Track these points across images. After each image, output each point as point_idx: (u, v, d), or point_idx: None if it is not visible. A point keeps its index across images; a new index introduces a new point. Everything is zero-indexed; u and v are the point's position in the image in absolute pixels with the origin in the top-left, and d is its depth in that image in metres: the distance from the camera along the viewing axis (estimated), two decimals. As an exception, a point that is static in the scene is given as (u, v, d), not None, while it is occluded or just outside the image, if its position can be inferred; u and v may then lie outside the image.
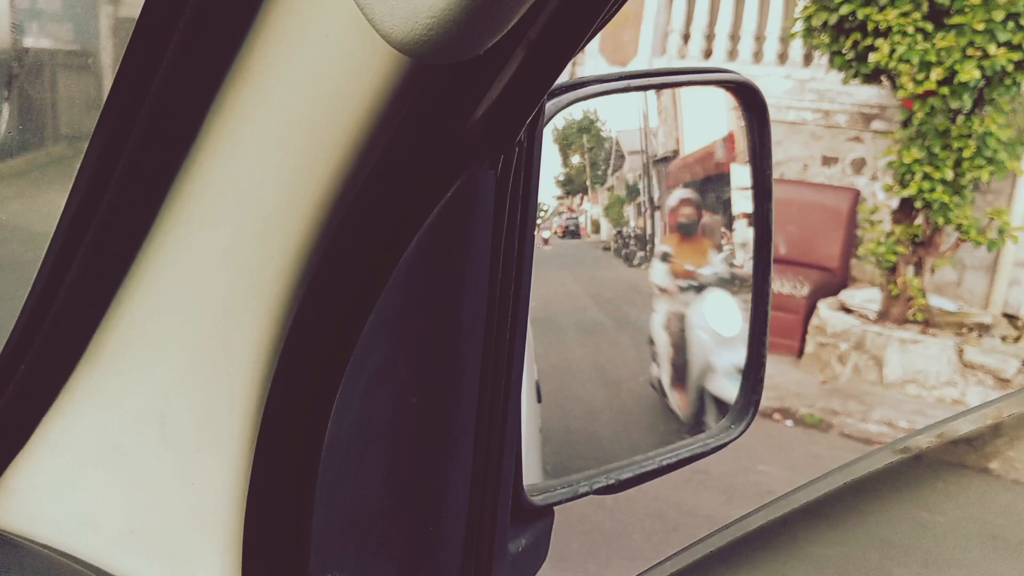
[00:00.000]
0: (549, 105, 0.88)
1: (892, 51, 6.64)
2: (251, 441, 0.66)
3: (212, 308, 0.64)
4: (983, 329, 7.48)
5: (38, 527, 0.68)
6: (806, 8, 7.11)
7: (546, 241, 1.06)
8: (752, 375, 1.15)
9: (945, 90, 6.56)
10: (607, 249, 1.17)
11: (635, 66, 8.98)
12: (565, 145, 1.08)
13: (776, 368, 7.26)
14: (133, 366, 0.66)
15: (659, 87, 1.18)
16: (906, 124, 7.04)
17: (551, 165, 1.04)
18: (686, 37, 9.32)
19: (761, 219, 1.16)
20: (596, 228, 1.14)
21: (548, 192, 1.06)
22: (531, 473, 0.92)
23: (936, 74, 6.51)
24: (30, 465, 0.69)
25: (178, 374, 0.65)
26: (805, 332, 7.68)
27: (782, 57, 8.89)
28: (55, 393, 0.69)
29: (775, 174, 1.16)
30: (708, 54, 9.17)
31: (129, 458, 0.67)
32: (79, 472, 0.68)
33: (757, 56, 8.99)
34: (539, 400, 1.04)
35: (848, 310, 7.68)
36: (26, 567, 0.66)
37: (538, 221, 0.82)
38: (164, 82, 0.58)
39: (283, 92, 0.58)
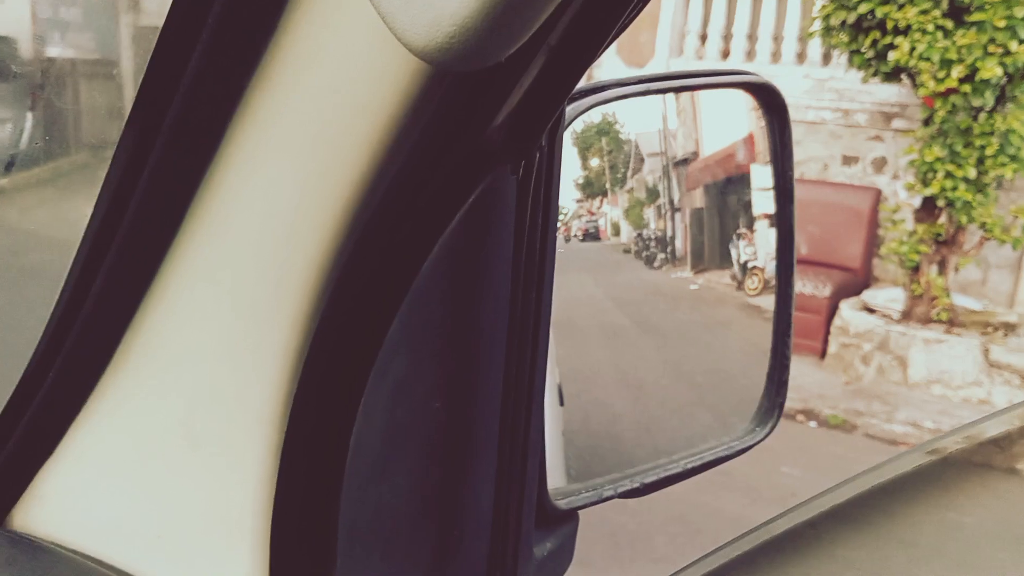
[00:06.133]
0: (569, 109, 0.88)
1: (912, 49, 6.58)
2: (277, 447, 0.66)
3: (237, 315, 0.64)
4: (1009, 328, 7.40)
5: (67, 533, 0.69)
6: (824, 7, 7.06)
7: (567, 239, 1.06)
8: (776, 377, 1.14)
9: (967, 88, 6.49)
10: (627, 252, 1.16)
11: (652, 67, 8.96)
12: (584, 148, 1.08)
13: (799, 369, 7.20)
14: (159, 373, 0.67)
15: (678, 90, 1.18)
16: (927, 122, 6.97)
17: (570, 168, 1.04)
18: (703, 38, 9.28)
19: (783, 221, 1.15)
20: (616, 231, 1.14)
21: (568, 195, 1.06)
22: (555, 477, 0.92)
23: (957, 72, 6.45)
24: (59, 472, 0.70)
25: (204, 380, 0.66)
26: (828, 333, 7.62)
27: (801, 56, 8.84)
28: (83, 400, 0.69)
29: (795, 174, 1.15)
30: (726, 54, 9.13)
31: (156, 464, 0.68)
32: (107, 478, 0.69)
33: (775, 56, 8.94)
34: (561, 403, 1.04)
35: (871, 310, 7.61)
36: (55, 572, 0.67)
37: (558, 224, 0.82)
38: (188, 91, 0.59)
39: (305, 100, 0.58)
